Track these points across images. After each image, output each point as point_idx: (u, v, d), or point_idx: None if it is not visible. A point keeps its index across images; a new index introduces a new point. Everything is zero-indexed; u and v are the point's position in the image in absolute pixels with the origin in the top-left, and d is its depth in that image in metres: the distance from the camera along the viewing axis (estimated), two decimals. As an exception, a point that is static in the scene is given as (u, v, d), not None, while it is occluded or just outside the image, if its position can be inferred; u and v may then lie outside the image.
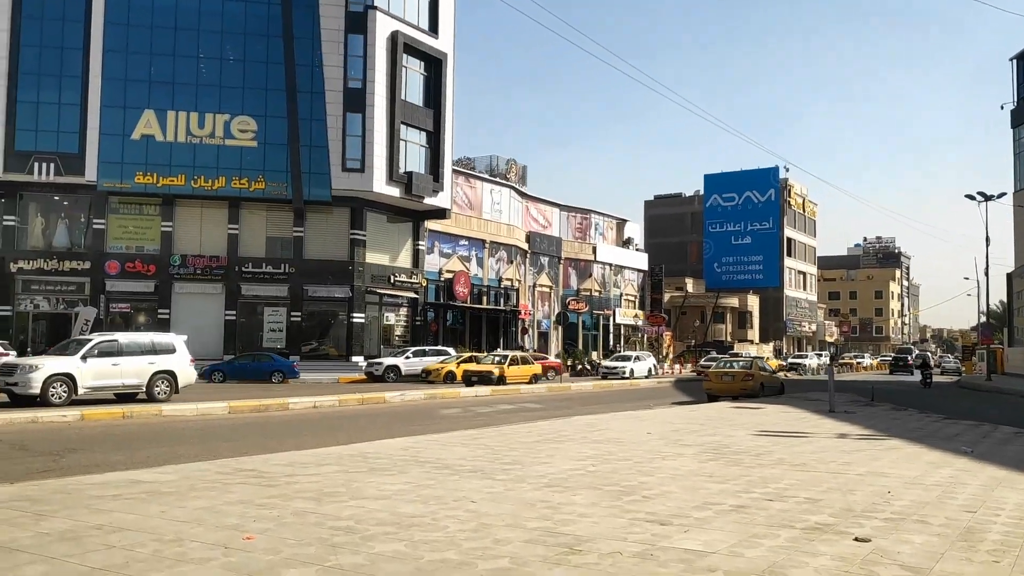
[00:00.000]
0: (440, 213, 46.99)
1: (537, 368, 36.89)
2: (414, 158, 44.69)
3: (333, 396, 23.48)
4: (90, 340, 20.46)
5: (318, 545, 5.72)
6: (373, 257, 44.29)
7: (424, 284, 47.38)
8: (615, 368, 45.10)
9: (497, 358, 35.49)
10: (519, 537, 5.99)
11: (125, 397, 20.91)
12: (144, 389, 20.78)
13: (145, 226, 41.80)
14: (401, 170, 43.09)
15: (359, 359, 42.19)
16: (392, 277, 45.07)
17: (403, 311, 47.27)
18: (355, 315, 43.18)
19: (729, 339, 79.06)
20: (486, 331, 53.05)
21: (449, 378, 35.32)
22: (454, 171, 49.21)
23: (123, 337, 21.46)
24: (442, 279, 49.72)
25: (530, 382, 34.20)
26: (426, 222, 47.67)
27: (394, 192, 42.95)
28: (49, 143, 39.37)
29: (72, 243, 41.46)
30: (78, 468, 10.76)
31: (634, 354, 49.59)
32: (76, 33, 39.60)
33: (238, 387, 30.46)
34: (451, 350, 41.72)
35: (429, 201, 45.10)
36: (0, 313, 39.80)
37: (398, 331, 47.01)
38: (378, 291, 44.40)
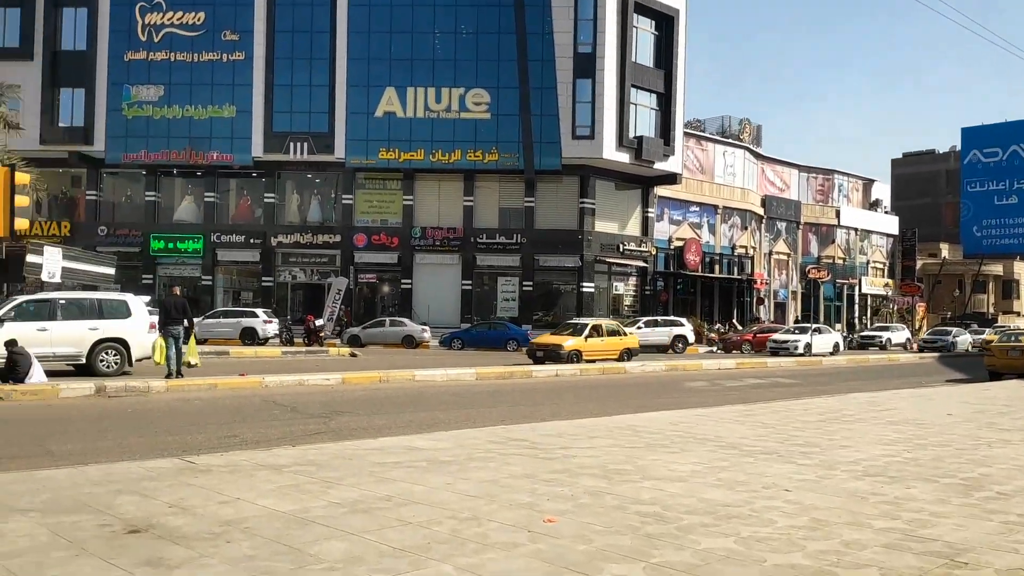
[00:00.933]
0: (670, 178, 45.39)
1: (630, 342, 27.76)
2: (644, 122, 43.37)
3: (574, 365, 23.04)
4: (10, 301, 17.20)
5: (631, 535, 4.94)
6: (602, 226, 43.60)
7: (653, 252, 46.10)
8: (873, 338, 44.12)
9: (577, 327, 26.98)
10: (872, 540, 4.89)
11: (76, 370, 17.22)
12: (84, 360, 16.94)
13: (388, 200, 43.65)
14: (631, 135, 41.97)
15: (590, 329, 41.77)
16: (621, 246, 44.18)
17: (632, 280, 46.31)
18: (584, 284, 42.81)
19: (992, 311, 71.00)
20: (718, 301, 50.94)
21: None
22: (685, 134, 47.30)
23: (61, 297, 18.09)
24: (672, 247, 48.17)
25: (620, 359, 26.13)
26: (655, 188, 46.25)
27: (623, 158, 41.92)
28: (302, 124, 41.97)
29: (324, 218, 44.13)
30: (348, 431, 10.81)
31: (889, 327, 45.92)
32: (323, 16, 41.80)
33: (477, 354, 30.97)
34: (684, 321, 40.26)
35: (659, 166, 43.66)
36: (264, 284, 43.22)
37: (627, 301, 46.16)
38: (607, 260, 43.72)
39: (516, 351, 34.38)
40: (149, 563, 4.26)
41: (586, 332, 26.02)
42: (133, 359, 17.50)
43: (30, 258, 22.61)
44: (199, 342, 20.38)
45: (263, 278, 43.37)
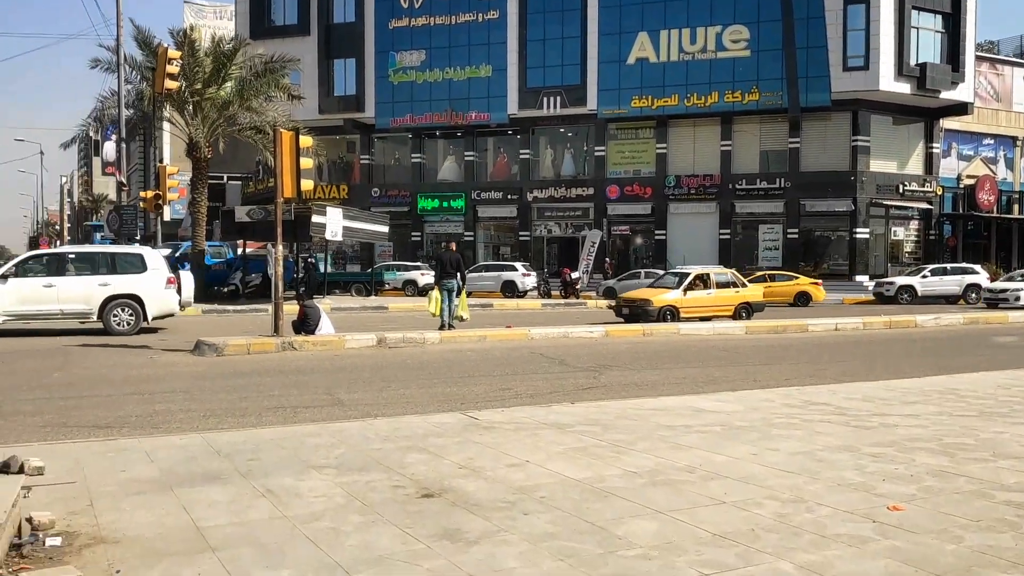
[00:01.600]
0: (959, 109, 40.22)
1: (750, 295, 22.06)
2: (927, 47, 38.64)
3: (856, 318, 21.04)
4: (16, 257, 15.67)
5: (1012, 532, 3.93)
6: (877, 165, 39.65)
7: (939, 193, 41.27)
8: None
9: (680, 278, 21.73)
10: None
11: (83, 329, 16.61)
12: (96, 316, 16.21)
13: (640, 150, 42.64)
14: (911, 62, 37.57)
15: (863, 278, 38.42)
16: (900, 186, 39.97)
17: (913, 225, 41.88)
18: (857, 230, 39.30)
19: None
20: (1017, 245, 44.88)
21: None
22: (976, 58, 41.65)
23: (71, 251, 17.65)
24: (961, 186, 42.83)
25: (736, 315, 21.00)
26: (941, 121, 41.22)
27: (903, 88, 37.66)
28: (555, 78, 41.89)
29: (577, 171, 44.04)
30: (619, 387, 10.32)
31: None
32: (574, -36, 41.20)
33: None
34: (978, 268, 35.76)
35: (945, 95, 38.80)
36: (521, 238, 44.08)
37: (907, 247, 41.86)
38: (883, 203, 39.76)
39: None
40: (446, 535, 3.94)
41: (685, 284, 20.85)
42: (150, 316, 16.46)
43: (315, 218, 24.36)
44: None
45: (520, 232, 44.22)
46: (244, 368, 12.08)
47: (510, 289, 34.44)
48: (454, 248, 18.00)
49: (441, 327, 16.40)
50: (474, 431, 6.44)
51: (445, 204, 44.83)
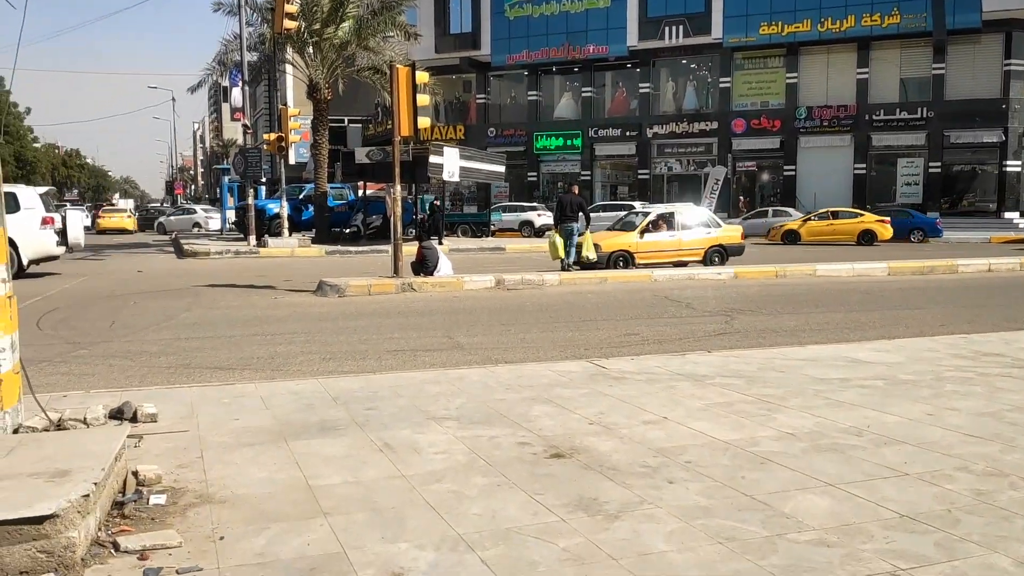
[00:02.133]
0: None
1: (725, 237, 18.71)
2: (1098, -44, 34.64)
3: (1013, 259, 19.23)
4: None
5: None
6: (1035, 91, 36.21)
7: (1108, 120, 37.41)
8: None
9: (639, 218, 18.94)
10: None
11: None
12: None
13: (769, 80, 40.41)
14: (1079, -26, 33.81)
15: (1014, 215, 35.53)
16: (1060, 114, 36.43)
17: (1076, 156, 38.22)
18: (1008, 163, 36.18)
19: None
20: None
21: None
22: None
23: None
24: None
25: (706, 260, 18.01)
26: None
27: (1068, 5, 34.01)
28: (677, 6, 39.97)
29: (699, 105, 42.21)
30: (755, 333, 9.58)
31: None
32: None
33: (875, 247, 27.64)
34: None
35: (1122, 10, 34.81)
36: (640, 176, 42.84)
37: (1066, 181, 38.33)
38: (1041, 132, 36.39)
39: (921, 242, 30.28)
40: (582, 506, 3.45)
41: (642, 225, 17.77)
42: (25, 260, 15.20)
43: (432, 159, 24.11)
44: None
45: (639, 171, 42.97)
46: (365, 309, 11.95)
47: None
48: (576, 191, 17.43)
49: (562, 269, 15.93)
50: (603, 381, 5.93)
51: (562, 143, 43.99)
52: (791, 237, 30.77)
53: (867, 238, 29.12)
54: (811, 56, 39.02)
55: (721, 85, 40.82)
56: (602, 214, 34.87)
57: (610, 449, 4.22)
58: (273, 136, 24.22)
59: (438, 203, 28.16)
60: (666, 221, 18.23)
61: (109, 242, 33.41)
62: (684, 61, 42.29)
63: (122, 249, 28.61)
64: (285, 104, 25.74)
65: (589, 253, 16.25)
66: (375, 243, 24.82)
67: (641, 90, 42.63)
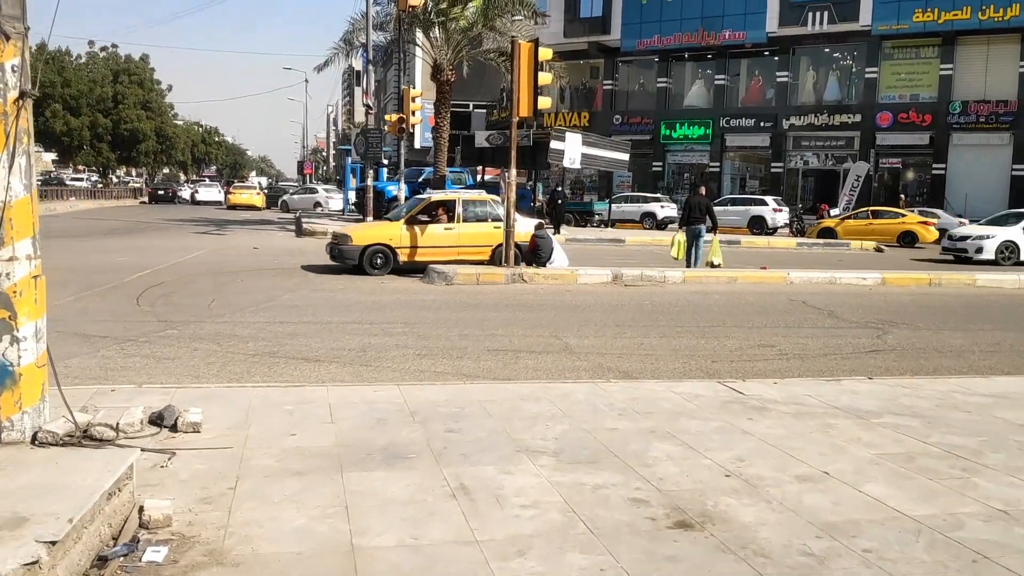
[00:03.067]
0: None
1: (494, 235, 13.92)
2: None
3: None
4: None
5: None
6: None
7: None
8: None
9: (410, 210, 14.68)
10: None
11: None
12: None
13: (921, 71, 37.35)
14: None
15: None
16: None
17: None
18: None
19: None
20: None
21: None
22: None
23: None
24: None
25: (493, 260, 13.82)
26: None
27: None
28: (823, -10, 37.50)
29: (842, 96, 39.51)
30: (914, 351, 8.19)
31: None
32: None
33: None
34: None
35: None
36: (773, 169, 40.58)
37: None
38: None
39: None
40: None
41: (409, 214, 14.23)
42: None
43: (553, 144, 23.17)
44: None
45: (772, 164, 40.68)
46: (470, 299, 11.15)
47: (758, 225, 31.60)
48: (703, 192, 16.18)
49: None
50: (739, 412, 4.83)
51: (690, 132, 42.16)
52: (827, 234, 28.59)
53: (908, 239, 26.91)
54: (969, 46, 35.77)
55: (867, 75, 38.03)
56: (730, 208, 33.08)
57: (755, 520, 3.16)
58: (395, 117, 23.81)
59: (559, 190, 27.20)
60: (447, 210, 14.06)
61: (236, 217, 34.10)
62: (827, 49, 39.62)
63: (247, 225, 29.01)
64: (409, 85, 25.25)
65: (715, 258, 14.93)
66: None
67: (779, 79, 40.27)
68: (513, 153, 13.01)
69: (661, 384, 5.71)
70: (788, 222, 32.69)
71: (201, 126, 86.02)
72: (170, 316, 9.18)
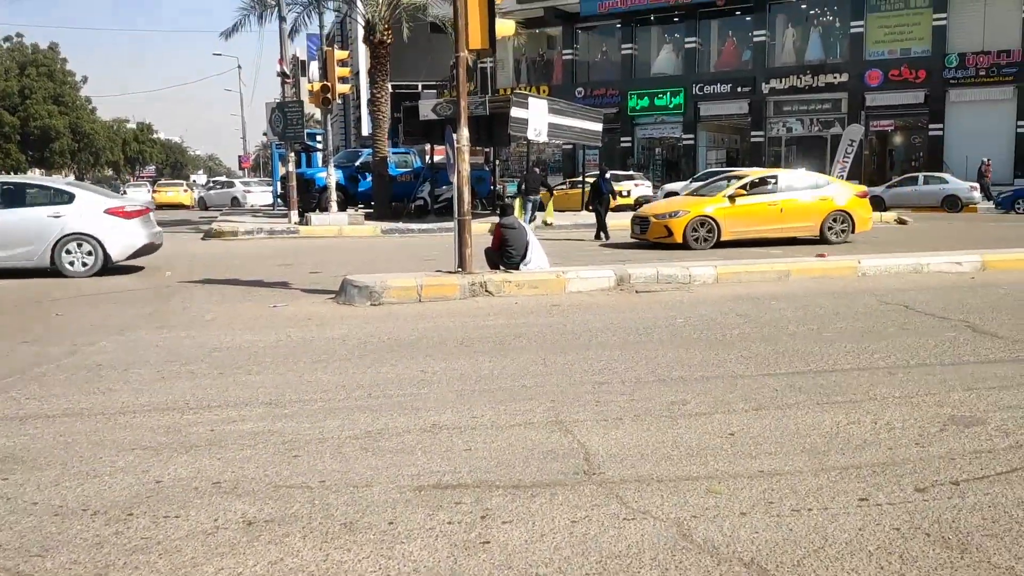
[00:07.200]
0: None
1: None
2: None
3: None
4: None
5: None
6: None
7: None
8: None
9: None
10: None
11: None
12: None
13: (912, 23, 33.86)
14: None
15: None
16: None
17: None
18: None
19: None
20: None
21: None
22: None
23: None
24: None
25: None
26: None
27: None
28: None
29: (826, 54, 35.89)
30: None
31: None
32: None
33: None
34: None
35: None
36: (753, 139, 36.90)
37: None
38: None
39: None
40: None
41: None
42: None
43: (514, 112, 18.98)
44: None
45: (752, 133, 37.01)
46: (403, 333, 7.00)
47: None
48: (538, 170, 14.28)
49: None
50: None
51: (660, 102, 38.32)
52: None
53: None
54: (967, -9, 32.38)
55: (852, 30, 34.47)
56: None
57: None
58: (317, 85, 19.38)
59: (538, 168, 22.81)
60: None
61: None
62: (804, 5, 36.06)
63: (154, 227, 24.43)
64: (333, 46, 20.85)
65: (549, 218, 17.04)
66: (445, 219, 19.76)
67: (755, 39, 36.54)
68: (462, 103, 8.78)
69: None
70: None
71: (129, 123, 80.00)
72: None
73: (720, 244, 13.87)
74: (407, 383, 5.26)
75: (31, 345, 6.75)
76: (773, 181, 14.72)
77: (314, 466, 3.75)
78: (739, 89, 36.69)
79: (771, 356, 5.87)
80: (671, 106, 38.05)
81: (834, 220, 14.26)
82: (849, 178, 31.63)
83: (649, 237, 14.28)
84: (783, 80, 35.84)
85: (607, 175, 18.42)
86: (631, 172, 33.03)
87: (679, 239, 13.68)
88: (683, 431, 4.18)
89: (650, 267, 9.56)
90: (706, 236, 13.76)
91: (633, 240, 14.90)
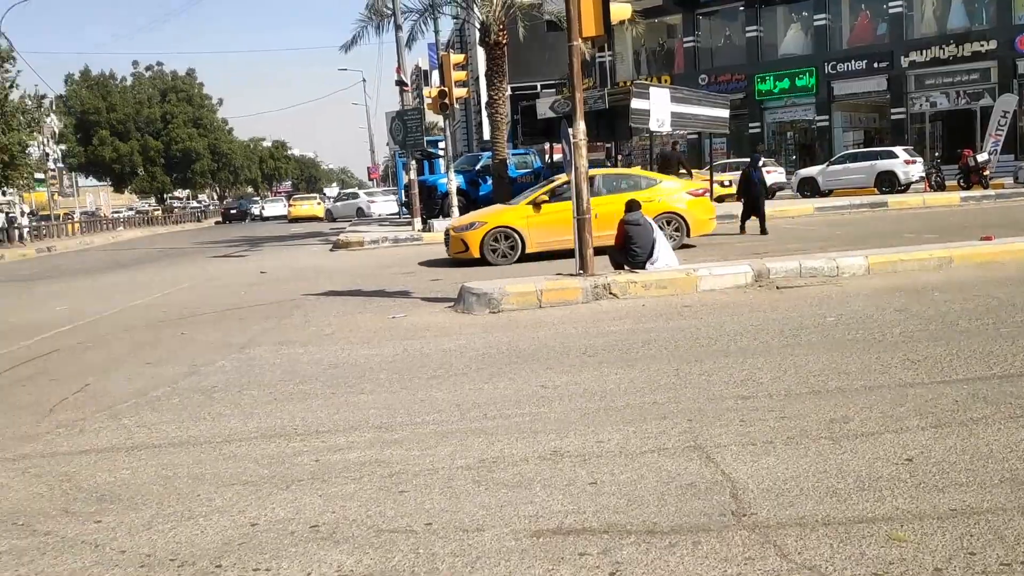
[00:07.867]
0: None
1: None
2: None
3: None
4: None
5: None
6: None
7: None
8: None
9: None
10: None
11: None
12: None
13: (1071, -22, 30.86)
14: None
15: None
16: None
17: None
18: None
19: None
20: None
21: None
22: None
23: None
24: None
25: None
26: None
27: None
28: None
29: (970, 21, 33.19)
30: None
31: None
32: None
33: None
34: None
35: None
36: (894, 116, 34.56)
37: None
38: None
39: None
40: None
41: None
42: None
43: (635, 103, 18.28)
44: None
45: (892, 110, 34.66)
46: (523, 342, 6.57)
47: (888, 182, 25.88)
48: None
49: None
50: None
51: (790, 84, 36.49)
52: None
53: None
54: None
55: (1002, -7, 31.74)
56: (850, 165, 27.59)
57: None
58: (435, 91, 19.34)
59: (676, 147, 21.61)
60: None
61: (280, 232, 30.59)
62: (949, -32, 33.51)
63: (286, 241, 25.18)
64: (449, 51, 20.78)
65: None
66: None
67: (891, 9, 34.22)
68: (577, 95, 8.26)
69: None
70: (924, 175, 26.67)
71: (265, 141, 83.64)
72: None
73: (525, 258, 12.33)
74: (526, 401, 4.81)
75: (154, 367, 6.72)
76: (588, 183, 12.60)
77: (421, 504, 3.35)
78: (876, 65, 34.41)
79: (944, 359, 5.08)
80: (802, 87, 36.21)
81: (665, 223, 12.08)
82: (1004, 151, 29.18)
83: (450, 253, 12.97)
84: (924, 52, 33.36)
85: (760, 162, 16.52)
86: (891, 148, 29.86)
87: (475, 254, 12.33)
88: (848, 457, 3.53)
89: (793, 259, 8.74)
90: (507, 251, 12.33)
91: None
